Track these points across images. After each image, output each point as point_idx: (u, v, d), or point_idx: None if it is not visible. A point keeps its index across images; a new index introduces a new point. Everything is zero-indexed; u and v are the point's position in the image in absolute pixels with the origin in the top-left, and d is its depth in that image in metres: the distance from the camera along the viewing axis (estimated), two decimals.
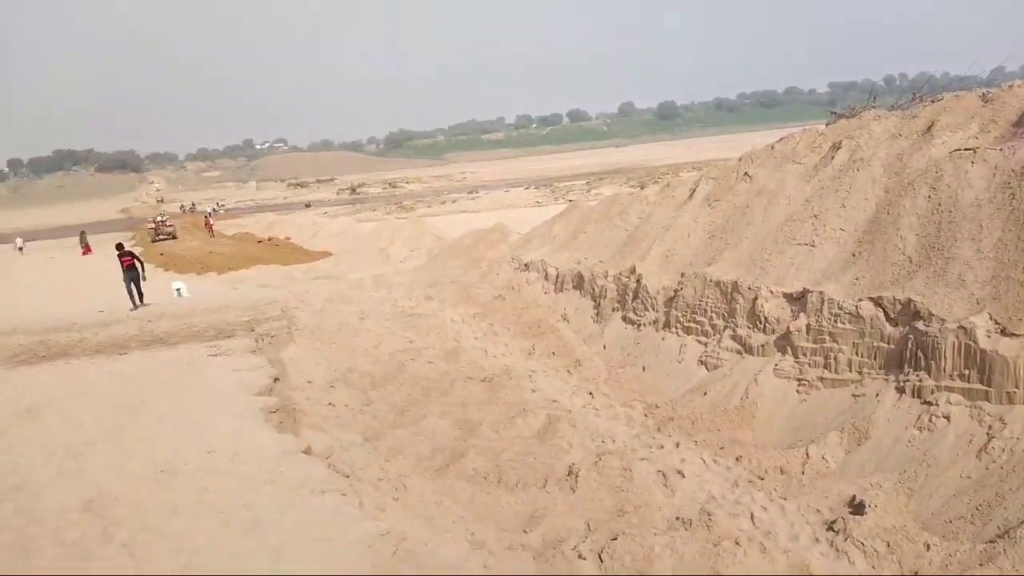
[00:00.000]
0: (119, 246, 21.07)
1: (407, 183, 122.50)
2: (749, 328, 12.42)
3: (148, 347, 14.73)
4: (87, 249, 48.86)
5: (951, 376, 9.19)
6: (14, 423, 10.17)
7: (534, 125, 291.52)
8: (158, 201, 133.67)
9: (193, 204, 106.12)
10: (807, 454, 9.58)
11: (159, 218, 60.09)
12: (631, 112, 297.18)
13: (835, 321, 10.89)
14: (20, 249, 55.39)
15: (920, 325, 9.66)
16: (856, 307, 10.63)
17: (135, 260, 20.28)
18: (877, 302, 10.47)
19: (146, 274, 20.64)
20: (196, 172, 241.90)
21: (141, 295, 20.09)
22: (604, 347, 15.36)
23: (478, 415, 12.06)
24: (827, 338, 10.95)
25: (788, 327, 11.56)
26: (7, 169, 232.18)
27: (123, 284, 20.06)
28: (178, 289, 22.47)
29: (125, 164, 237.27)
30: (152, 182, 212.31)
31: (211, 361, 13.09)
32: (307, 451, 8.97)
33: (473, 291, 21.64)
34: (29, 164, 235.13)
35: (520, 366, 14.80)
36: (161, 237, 54.38)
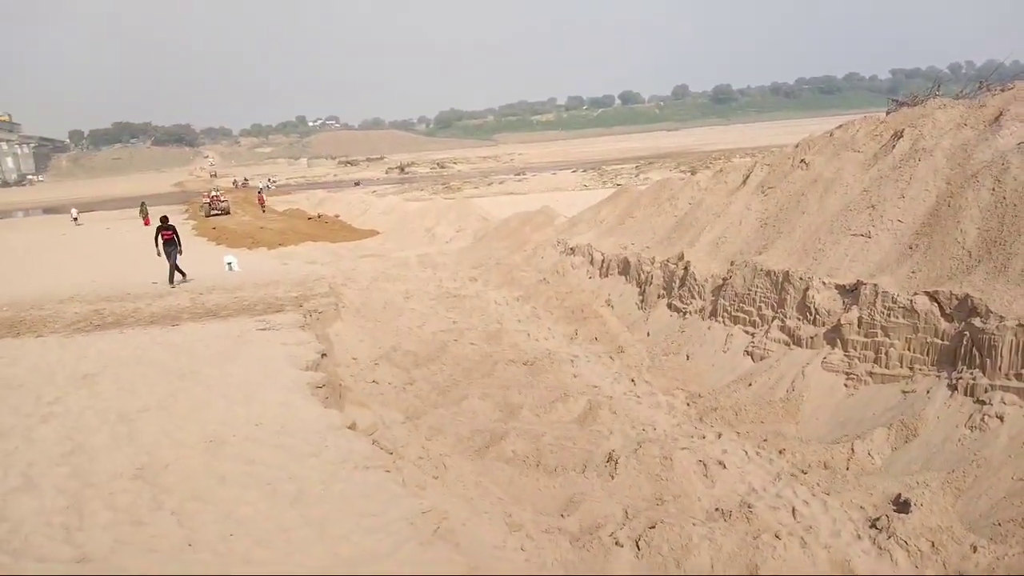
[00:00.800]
0: (163, 219, 20.69)
1: (455, 163, 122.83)
2: (799, 319, 12.20)
3: (199, 319, 15.08)
4: (147, 220, 50.02)
5: (1007, 375, 8.91)
6: (71, 389, 10.51)
7: (585, 107, 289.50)
8: (211, 176, 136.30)
9: (246, 179, 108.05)
10: (852, 449, 9.40)
11: (213, 192, 59.82)
12: (685, 95, 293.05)
13: (888, 315, 10.62)
14: (75, 220, 56.66)
15: (977, 322, 9.37)
16: (911, 301, 10.35)
17: (175, 235, 19.84)
18: (933, 296, 10.19)
19: (182, 248, 20.25)
20: (249, 148, 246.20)
21: (180, 270, 19.86)
22: (648, 334, 15.24)
23: (519, 398, 12.10)
24: (879, 332, 10.70)
25: (839, 319, 11.31)
26: (68, 140, 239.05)
27: (163, 255, 19.68)
28: (229, 263, 22.93)
29: (181, 138, 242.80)
30: (206, 156, 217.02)
31: (260, 335, 13.35)
32: (352, 427, 9.10)
33: (517, 274, 21.65)
34: (89, 136, 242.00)
35: (562, 350, 14.80)
36: (215, 212, 54.50)
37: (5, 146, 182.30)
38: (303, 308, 15.74)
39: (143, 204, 54.65)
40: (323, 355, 12.26)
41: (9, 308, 17.74)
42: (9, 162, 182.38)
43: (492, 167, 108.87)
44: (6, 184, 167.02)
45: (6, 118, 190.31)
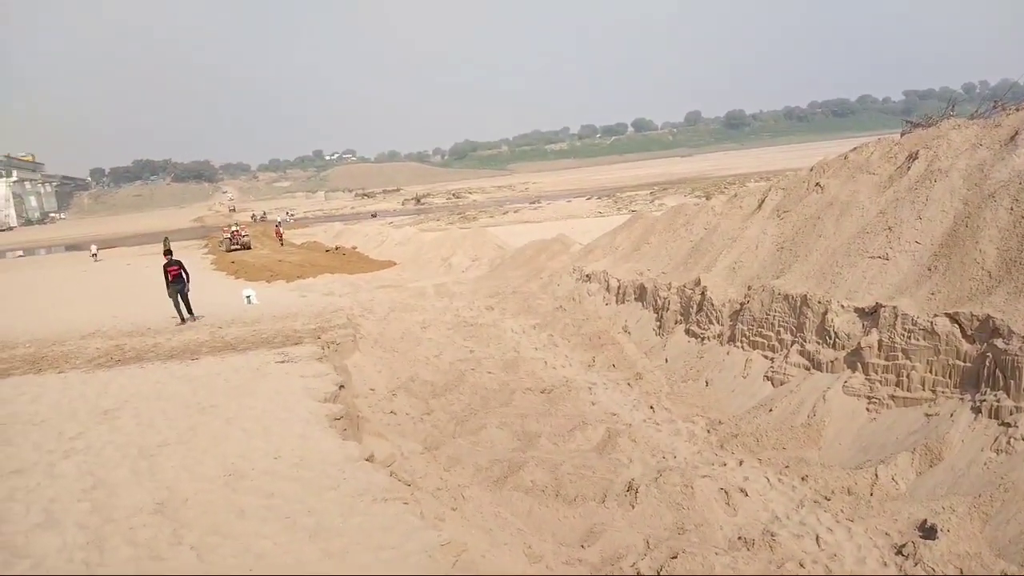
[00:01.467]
0: (167, 253, 20.32)
1: (470, 193, 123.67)
2: (818, 343, 12.10)
3: (219, 353, 15.19)
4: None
5: None
6: (92, 425, 10.60)
7: (598, 135, 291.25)
8: (231, 210, 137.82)
9: (264, 213, 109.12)
10: (876, 475, 9.25)
11: (234, 227, 59.43)
12: (698, 121, 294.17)
13: (908, 337, 10.51)
14: (95, 256, 57.45)
15: (999, 343, 9.24)
16: (931, 323, 10.24)
17: (182, 270, 19.38)
18: (953, 318, 10.07)
19: (190, 286, 19.77)
20: (267, 182, 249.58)
21: (189, 307, 19.40)
22: (666, 360, 15.16)
23: (537, 427, 12.04)
24: (900, 355, 10.57)
25: (859, 343, 11.20)
26: (90, 178, 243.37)
27: (169, 297, 19.10)
28: (248, 296, 23.09)
29: (200, 174, 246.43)
30: (225, 191, 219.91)
31: (279, 367, 13.43)
32: (370, 458, 9.10)
33: (534, 301, 21.66)
34: (110, 174, 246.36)
35: (580, 378, 14.74)
36: (235, 247, 54.19)
37: (29, 185, 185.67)
38: (321, 340, 15.82)
39: (166, 239, 55.32)
40: (341, 386, 12.30)
41: (32, 344, 17.96)
42: (33, 201, 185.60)
43: (507, 196, 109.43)
44: (29, 222, 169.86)
45: (30, 158, 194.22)
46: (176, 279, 19.23)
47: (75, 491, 8.16)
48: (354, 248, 47.59)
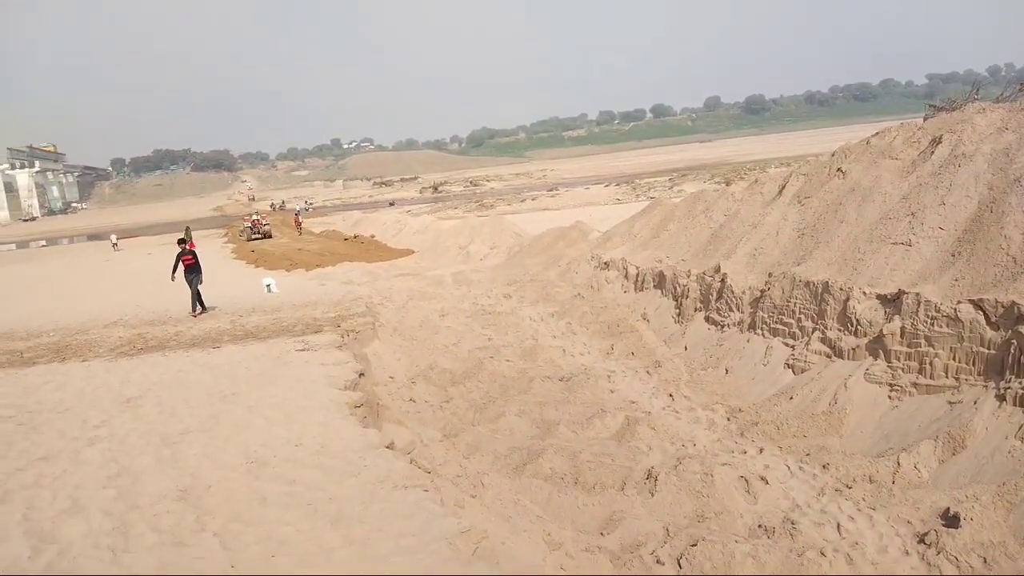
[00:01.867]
0: (181, 242, 20.15)
1: (488, 181, 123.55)
2: (839, 331, 11.99)
3: (240, 341, 15.32)
4: (192, 244, 50.80)
5: None
6: (115, 413, 10.73)
7: (616, 121, 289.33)
8: (250, 199, 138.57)
9: (283, 202, 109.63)
10: (898, 463, 9.17)
11: (255, 216, 59.11)
12: (717, 106, 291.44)
13: (931, 324, 10.38)
14: (115, 245, 57.97)
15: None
16: (954, 310, 10.11)
17: (196, 260, 19.22)
18: (977, 305, 9.94)
19: (202, 277, 19.44)
20: (286, 171, 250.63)
21: (201, 300, 19.15)
22: (685, 348, 15.10)
23: (555, 414, 12.05)
24: (922, 342, 10.46)
25: (881, 330, 11.09)
26: (111, 168, 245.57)
27: (185, 282, 18.86)
28: (268, 285, 23.25)
29: (220, 163, 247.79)
30: (244, 181, 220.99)
31: (299, 355, 13.52)
32: (390, 446, 9.16)
33: (552, 289, 21.63)
34: (131, 163, 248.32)
35: (598, 366, 14.72)
36: (256, 236, 54.16)
37: (51, 176, 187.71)
38: (341, 328, 15.91)
39: (187, 228, 55.69)
40: (361, 374, 12.37)
41: (56, 333, 18.21)
42: (55, 191, 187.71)
43: (525, 183, 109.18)
44: (52, 212, 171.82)
45: (52, 149, 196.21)
46: (190, 268, 19.13)
47: (100, 478, 8.27)
48: (372, 236, 47.72)
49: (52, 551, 6.62)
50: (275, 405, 10.55)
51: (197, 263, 19.31)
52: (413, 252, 37.74)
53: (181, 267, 19.24)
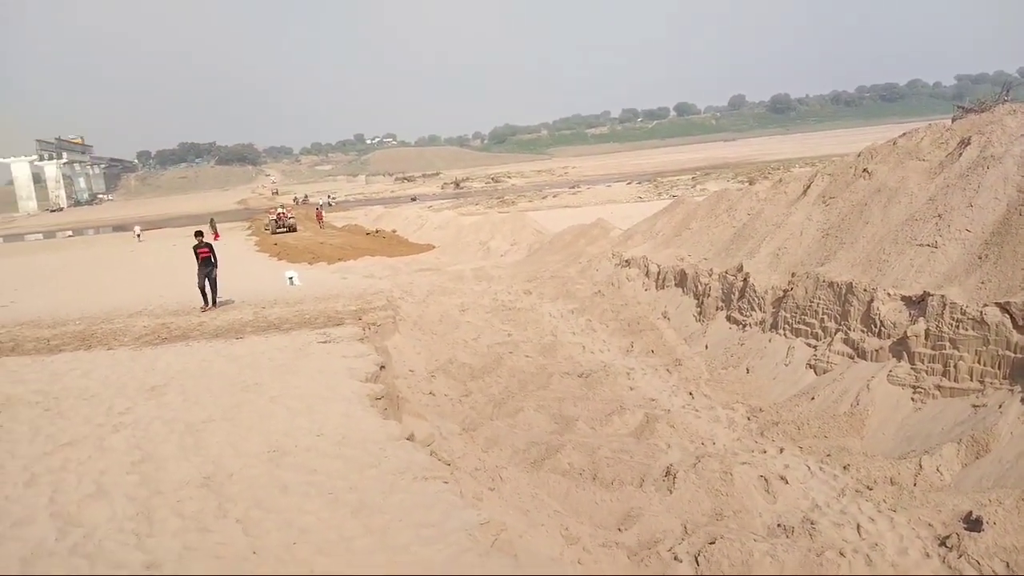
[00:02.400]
0: (198, 234, 19.78)
1: (509, 178, 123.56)
2: (863, 332, 11.89)
3: (262, 332, 15.47)
4: (216, 235, 51.39)
5: None
6: (140, 400, 10.89)
7: (640, 119, 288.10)
8: (273, 193, 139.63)
9: (306, 196, 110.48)
10: (920, 465, 9.08)
11: (280, 210, 59.17)
12: (742, 105, 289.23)
13: (957, 327, 10.27)
14: (138, 237, 58.73)
15: None
16: (980, 312, 9.99)
17: (211, 253, 19.10)
18: (1004, 308, 9.81)
19: (218, 270, 19.50)
20: (309, 165, 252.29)
21: (216, 293, 19.16)
22: (706, 347, 15.04)
23: (574, 410, 12.05)
24: (947, 344, 10.34)
25: (905, 332, 10.97)
26: (137, 160, 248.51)
27: (197, 278, 18.87)
28: (291, 278, 23.44)
29: (244, 157, 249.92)
30: (268, 175, 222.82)
31: (321, 347, 13.63)
32: (410, 438, 9.21)
33: (572, 286, 21.61)
34: (156, 156, 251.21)
35: (618, 363, 14.70)
36: (281, 229, 54.08)
37: (78, 167, 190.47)
38: (362, 321, 16.01)
39: (212, 220, 56.21)
40: (381, 367, 12.44)
41: (81, 322, 18.49)
42: (81, 182, 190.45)
43: (546, 180, 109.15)
44: (78, 203, 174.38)
45: (79, 140, 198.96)
46: (205, 261, 19.02)
47: (124, 464, 8.40)
48: (394, 231, 47.94)
49: (77, 534, 6.75)
50: (297, 395, 10.65)
51: (212, 256, 19.17)
52: (434, 247, 37.88)
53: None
